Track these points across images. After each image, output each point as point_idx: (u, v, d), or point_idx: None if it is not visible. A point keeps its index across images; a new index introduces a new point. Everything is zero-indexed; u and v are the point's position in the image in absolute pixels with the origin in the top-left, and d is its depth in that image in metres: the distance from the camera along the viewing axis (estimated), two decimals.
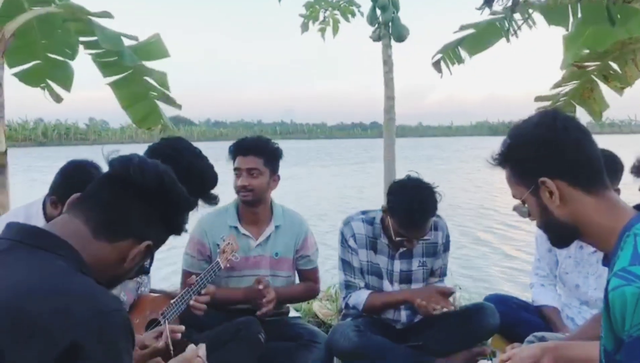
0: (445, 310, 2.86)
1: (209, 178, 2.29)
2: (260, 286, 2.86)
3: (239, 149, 2.97)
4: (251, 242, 3.02)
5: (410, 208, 2.76)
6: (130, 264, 1.29)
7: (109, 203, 1.25)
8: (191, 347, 1.50)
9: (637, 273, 1.17)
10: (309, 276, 3.19)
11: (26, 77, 4.80)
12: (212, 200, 2.37)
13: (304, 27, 8.19)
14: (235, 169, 2.98)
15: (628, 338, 1.16)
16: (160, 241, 1.34)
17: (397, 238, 2.93)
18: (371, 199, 12.32)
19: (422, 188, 2.84)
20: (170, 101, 5.07)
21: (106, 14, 4.45)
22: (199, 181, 2.23)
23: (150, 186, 1.26)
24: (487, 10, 5.10)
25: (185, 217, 1.37)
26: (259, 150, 2.94)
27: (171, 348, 1.65)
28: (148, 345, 1.57)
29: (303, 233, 3.14)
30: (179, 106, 5.18)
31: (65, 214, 1.26)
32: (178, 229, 1.36)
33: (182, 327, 1.57)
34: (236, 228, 3.00)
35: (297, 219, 3.17)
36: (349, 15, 8.05)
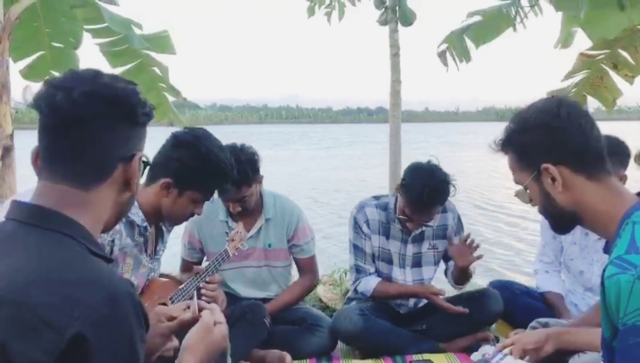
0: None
1: (225, 169, 2.27)
2: None
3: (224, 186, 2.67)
4: None
5: (422, 191, 2.77)
6: (135, 185, 1.19)
7: (72, 148, 1.11)
8: (206, 312, 1.44)
9: (632, 261, 1.17)
10: (303, 266, 3.15)
11: (31, 72, 4.80)
12: (227, 192, 2.35)
13: (310, 11, 8.19)
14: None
15: (622, 326, 1.16)
16: (137, 143, 1.19)
17: (400, 216, 2.94)
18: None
19: (438, 176, 2.83)
20: (172, 91, 5.12)
21: (111, 1, 4.47)
22: (216, 170, 2.22)
23: (92, 107, 1.09)
24: None
25: (141, 106, 1.18)
26: (244, 180, 2.75)
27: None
28: (175, 316, 1.53)
29: (294, 222, 3.06)
30: (183, 98, 5.25)
31: (43, 182, 1.14)
32: (139, 118, 1.18)
33: (212, 304, 1.55)
34: (226, 222, 2.97)
35: (288, 208, 3.09)
36: None
